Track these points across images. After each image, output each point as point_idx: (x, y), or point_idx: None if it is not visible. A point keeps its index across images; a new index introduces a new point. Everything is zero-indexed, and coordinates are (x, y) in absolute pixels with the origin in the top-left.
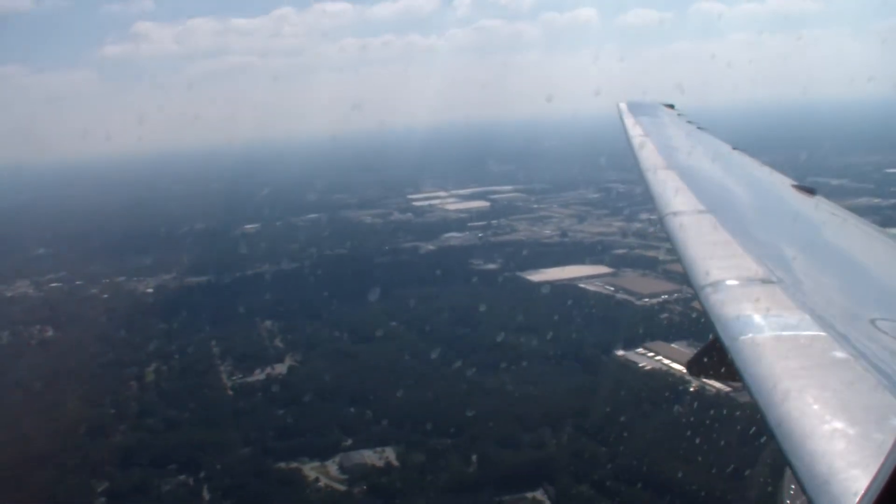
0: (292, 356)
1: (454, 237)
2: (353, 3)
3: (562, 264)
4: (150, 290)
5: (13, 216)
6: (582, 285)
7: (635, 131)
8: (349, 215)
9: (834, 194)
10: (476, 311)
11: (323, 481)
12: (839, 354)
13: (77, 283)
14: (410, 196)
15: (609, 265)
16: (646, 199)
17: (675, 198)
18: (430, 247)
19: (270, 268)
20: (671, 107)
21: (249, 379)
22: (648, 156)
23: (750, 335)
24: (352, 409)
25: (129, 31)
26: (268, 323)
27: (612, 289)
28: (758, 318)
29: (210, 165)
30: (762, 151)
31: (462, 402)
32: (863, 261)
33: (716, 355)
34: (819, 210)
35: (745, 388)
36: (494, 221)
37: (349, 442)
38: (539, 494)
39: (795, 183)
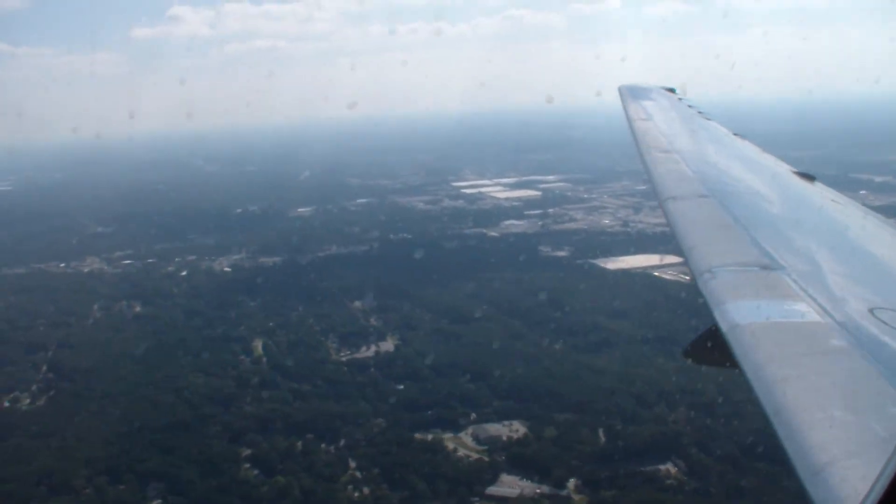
0: (393, 335)
1: (514, 224)
2: None
3: (631, 253)
4: (228, 269)
5: (57, 194)
6: (657, 273)
7: (636, 114)
8: (399, 200)
9: (880, 190)
10: (562, 296)
11: (462, 451)
12: (838, 342)
13: (149, 260)
14: (454, 183)
15: (679, 255)
16: None
17: (675, 182)
18: (494, 233)
19: (340, 250)
20: (672, 91)
21: (358, 355)
22: (649, 139)
23: (748, 322)
24: (469, 385)
25: (164, 15)
26: (358, 303)
27: (688, 278)
28: (756, 305)
29: (239, 147)
30: (794, 147)
31: (573, 379)
32: (863, 249)
33: (715, 342)
34: (819, 197)
35: (743, 375)
36: (550, 210)
37: (474, 416)
38: (670, 467)
39: (795, 170)
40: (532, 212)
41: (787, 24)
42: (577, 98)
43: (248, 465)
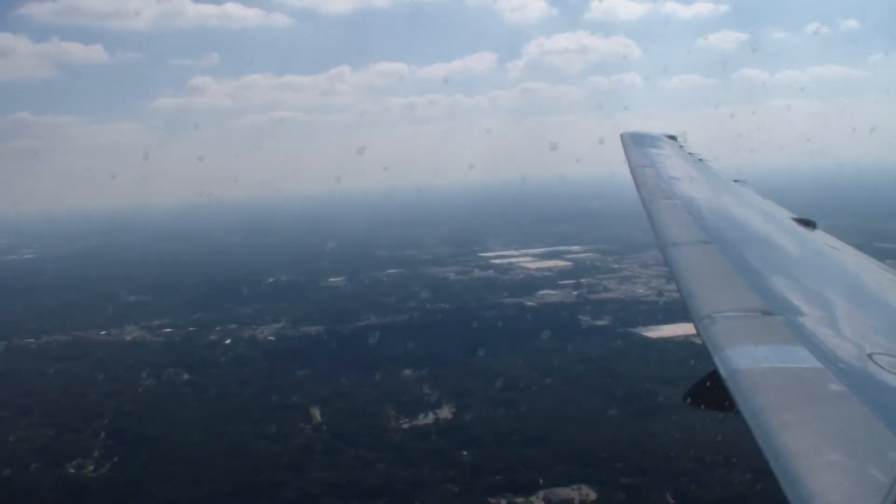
0: (449, 403)
1: (550, 294)
2: (409, 63)
3: (669, 322)
4: (272, 338)
5: (83, 262)
6: (698, 341)
7: (638, 161)
8: (430, 271)
9: None
10: (610, 363)
11: None
12: (836, 388)
13: (190, 329)
14: (482, 254)
15: None
16: None
17: (676, 229)
18: (531, 303)
19: (380, 320)
20: (674, 138)
21: (418, 423)
22: (650, 186)
23: (748, 367)
24: (531, 451)
25: (186, 85)
26: (408, 371)
27: None
28: (756, 350)
29: (260, 218)
30: (817, 217)
31: (632, 444)
32: (862, 295)
33: (715, 386)
34: (819, 243)
35: (743, 419)
36: (583, 280)
37: (542, 481)
38: None
39: (795, 216)
40: (565, 282)
41: (806, 96)
42: (595, 170)
43: None
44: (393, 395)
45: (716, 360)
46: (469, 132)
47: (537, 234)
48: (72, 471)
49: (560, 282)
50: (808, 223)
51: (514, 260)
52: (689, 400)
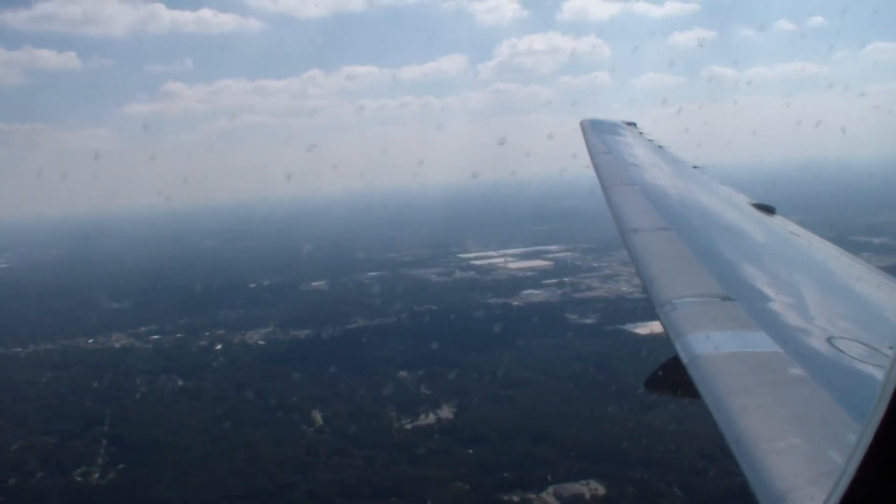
0: (448, 402)
1: (534, 294)
2: (381, 66)
3: (656, 318)
4: (262, 342)
5: (59, 271)
6: None
7: (597, 148)
8: (411, 273)
9: (881, 251)
10: (602, 360)
11: None
12: (796, 372)
13: (178, 335)
14: (461, 255)
15: None
16: None
17: (636, 215)
18: (517, 303)
19: (368, 322)
20: (633, 125)
21: (420, 423)
22: (609, 172)
23: (708, 352)
24: (536, 448)
25: (159, 90)
26: (403, 373)
27: None
28: (716, 336)
29: (235, 222)
30: (791, 211)
31: (634, 438)
32: (821, 279)
33: (675, 372)
34: (778, 228)
35: (704, 404)
36: (566, 279)
37: (549, 477)
38: None
39: (755, 201)
40: (548, 281)
41: (774, 93)
42: (567, 168)
43: None
44: (391, 397)
45: (676, 345)
46: (439, 133)
47: (514, 234)
48: (78, 478)
49: (543, 281)
50: (767, 209)
51: (494, 261)
52: (649, 387)
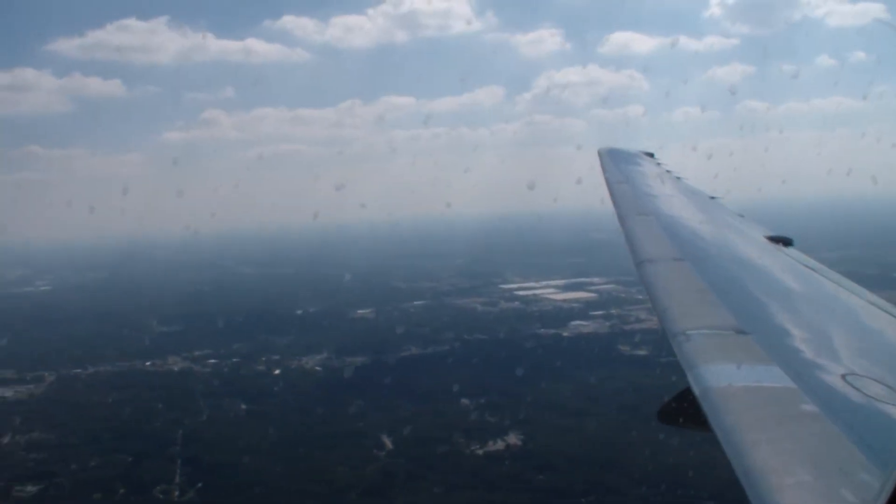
0: (515, 430)
1: (583, 325)
2: (418, 97)
3: None
4: (319, 368)
5: (101, 294)
6: None
7: (614, 177)
8: (456, 302)
9: None
10: (661, 392)
11: None
12: (809, 408)
13: (234, 359)
14: (502, 286)
15: None
16: None
17: (651, 245)
18: (566, 334)
19: (421, 350)
20: (651, 155)
21: (489, 449)
22: (625, 202)
23: (721, 385)
24: (607, 475)
25: (198, 118)
26: (465, 400)
27: None
28: (729, 369)
29: (268, 249)
30: (831, 248)
31: (702, 466)
32: (837, 314)
33: (688, 404)
34: (794, 262)
35: (715, 437)
36: (613, 311)
37: (621, 502)
38: None
39: (771, 234)
40: (595, 313)
41: (808, 127)
42: (599, 202)
43: None
44: (457, 424)
45: (689, 377)
46: (471, 164)
47: (552, 265)
48: (160, 496)
49: (590, 313)
50: (783, 241)
51: (537, 292)
52: (662, 418)
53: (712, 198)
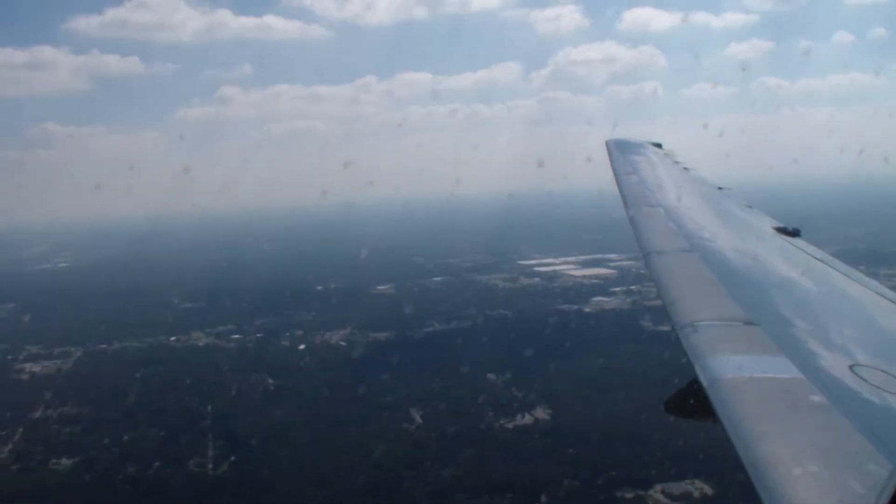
0: (542, 405)
1: (605, 301)
2: (435, 73)
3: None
4: (344, 344)
5: (121, 271)
6: None
7: (622, 168)
8: (476, 279)
9: None
10: (687, 367)
11: None
12: (817, 398)
13: (258, 335)
14: (520, 262)
15: None
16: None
17: (659, 236)
18: (588, 310)
19: (444, 326)
20: (659, 146)
21: (518, 423)
22: (633, 193)
23: (729, 376)
24: (636, 448)
25: (213, 96)
26: (491, 375)
27: None
28: (737, 360)
29: (286, 227)
30: (852, 224)
31: (727, 441)
32: (844, 305)
33: (695, 395)
34: (802, 253)
35: (723, 428)
36: (633, 287)
37: (655, 474)
38: None
39: (779, 225)
40: (616, 289)
41: (824, 104)
42: (607, 178)
43: None
44: (485, 398)
45: (697, 368)
46: (486, 141)
47: (569, 242)
48: (195, 469)
49: (611, 289)
50: (791, 232)
51: (556, 268)
52: (669, 410)
53: (720, 188)
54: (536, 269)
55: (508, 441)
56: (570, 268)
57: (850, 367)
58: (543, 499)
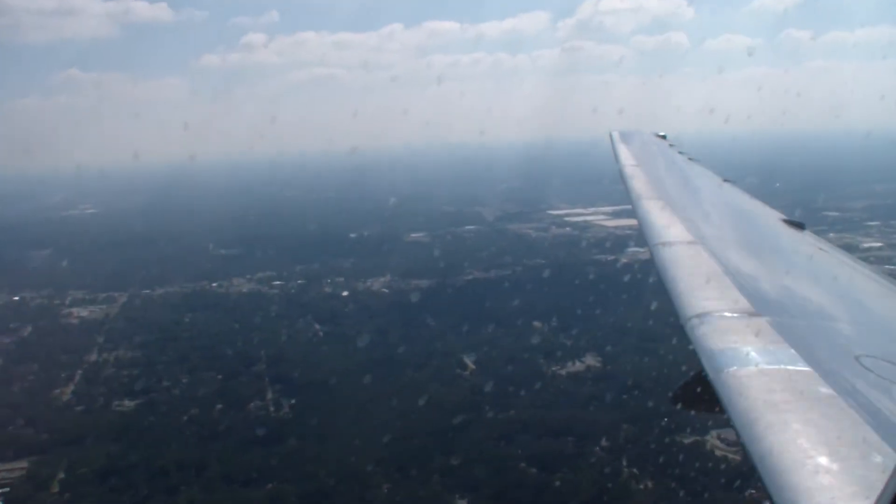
0: (591, 352)
1: (640, 251)
2: (461, 22)
3: None
4: (386, 291)
5: (150, 218)
6: None
7: (626, 160)
8: (508, 228)
9: None
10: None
11: (718, 452)
12: (824, 390)
13: (298, 281)
14: (550, 212)
15: None
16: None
17: (665, 228)
18: (625, 260)
19: (484, 274)
20: (663, 137)
21: (570, 370)
22: (638, 185)
23: (735, 368)
24: None
25: (238, 42)
26: (537, 323)
27: None
28: (743, 351)
29: (308, 174)
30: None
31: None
32: (849, 297)
33: (702, 387)
34: (807, 245)
35: (729, 420)
36: None
37: (710, 423)
38: None
39: (784, 217)
40: None
41: (853, 58)
42: (644, 127)
43: (524, 464)
44: (533, 345)
45: (703, 360)
46: (509, 90)
47: (597, 193)
48: (257, 412)
49: None
50: (796, 224)
51: (588, 218)
52: (676, 400)
53: (725, 180)
54: (567, 219)
55: (563, 387)
56: (601, 218)
57: (857, 359)
58: (604, 442)
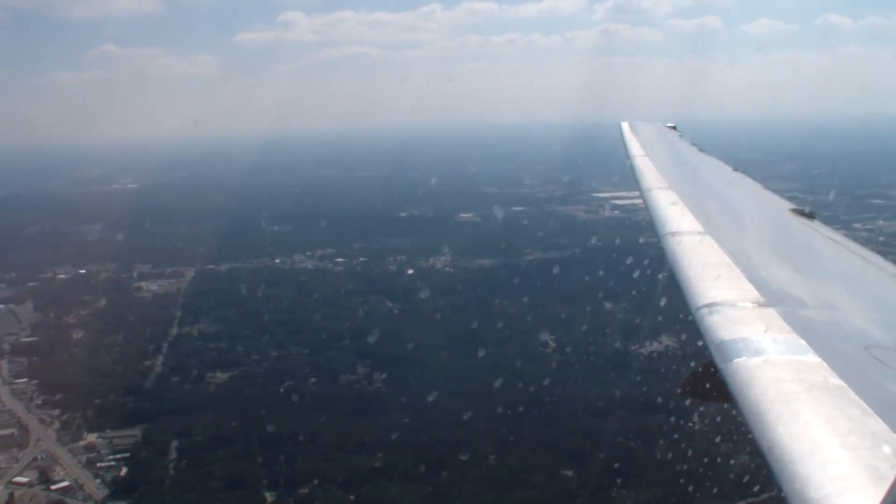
0: (666, 332)
1: None
2: (499, 2)
3: None
4: (450, 270)
5: (193, 193)
6: None
7: (636, 151)
8: (557, 210)
9: None
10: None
11: None
12: (833, 380)
13: (361, 259)
14: (595, 194)
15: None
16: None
17: (674, 218)
18: None
19: (544, 255)
20: (673, 128)
21: (650, 349)
22: (648, 175)
23: (744, 358)
24: None
25: (276, 20)
26: (607, 304)
27: None
28: (753, 341)
29: (342, 151)
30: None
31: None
32: (859, 287)
33: (710, 377)
34: (817, 235)
35: (738, 410)
36: None
37: None
38: None
39: (794, 207)
40: None
41: (891, 43)
42: (677, 111)
43: (621, 439)
44: (609, 325)
45: (712, 350)
46: (541, 71)
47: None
48: (354, 385)
49: None
50: (807, 214)
51: (634, 202)
52: (684, 390)
53: (735, 171)
54: (614, 202)
55: (646, 365)
56: None
57: (867, 349)
58: (696, 419)
